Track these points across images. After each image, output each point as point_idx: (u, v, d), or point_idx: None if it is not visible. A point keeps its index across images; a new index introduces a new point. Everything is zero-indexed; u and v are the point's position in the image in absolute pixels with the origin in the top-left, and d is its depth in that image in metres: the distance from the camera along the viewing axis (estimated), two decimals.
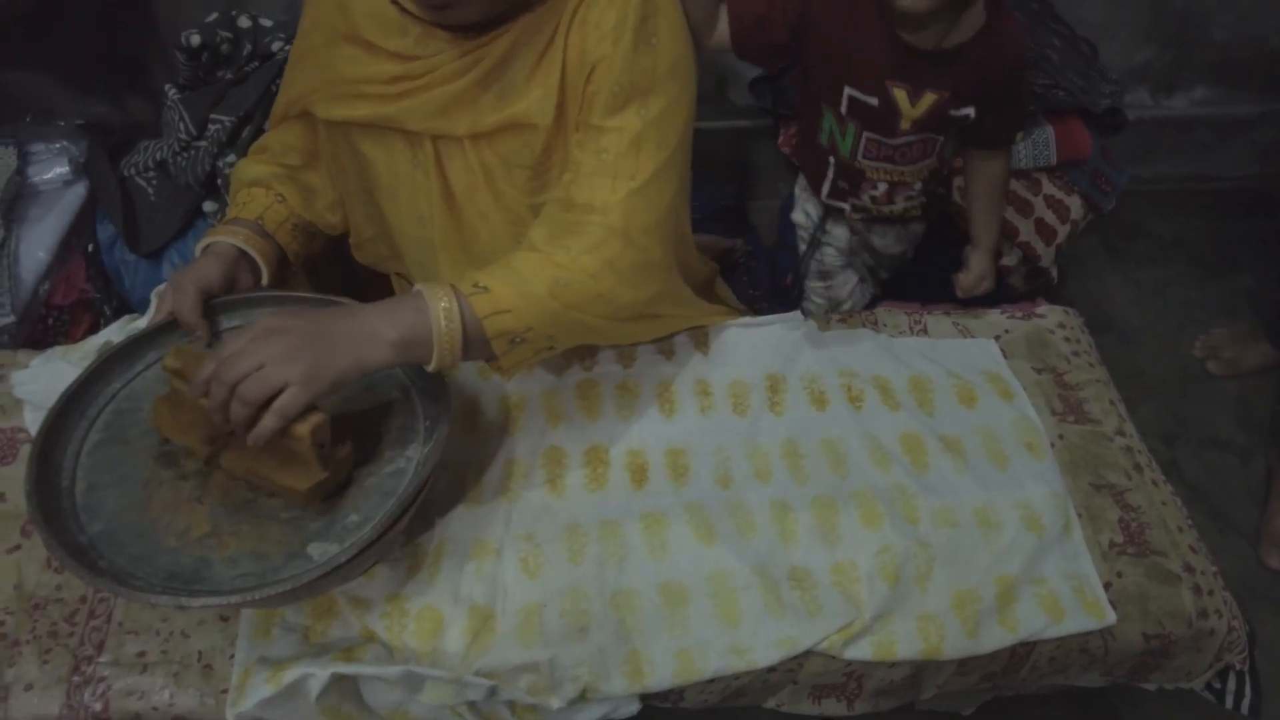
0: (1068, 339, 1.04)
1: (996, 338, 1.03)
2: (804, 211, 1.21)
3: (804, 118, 1.10)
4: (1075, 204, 1.40)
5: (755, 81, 1.72)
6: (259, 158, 0.94)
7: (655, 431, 0.89)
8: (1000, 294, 1.26)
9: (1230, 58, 1.91)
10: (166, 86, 1.30)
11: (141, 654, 0.74)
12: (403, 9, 0.78)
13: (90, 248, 1.28)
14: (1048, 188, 1.42)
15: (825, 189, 1.10)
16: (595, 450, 0.87)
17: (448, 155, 0.83)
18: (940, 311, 1.05)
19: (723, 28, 0.96)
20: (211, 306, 0.81)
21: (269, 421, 0.64)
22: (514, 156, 0.81)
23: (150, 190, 1.26)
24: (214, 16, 1.27)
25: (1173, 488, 0.93)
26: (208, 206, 1.27)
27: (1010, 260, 1.41)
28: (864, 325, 1.02)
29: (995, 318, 1.05)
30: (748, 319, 1.00)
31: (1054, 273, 1.46)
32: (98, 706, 0.71)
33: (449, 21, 0.76)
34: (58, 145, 1.27)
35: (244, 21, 1.28)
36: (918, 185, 1.05)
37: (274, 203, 0.90)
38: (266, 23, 1.30)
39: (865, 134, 1.00)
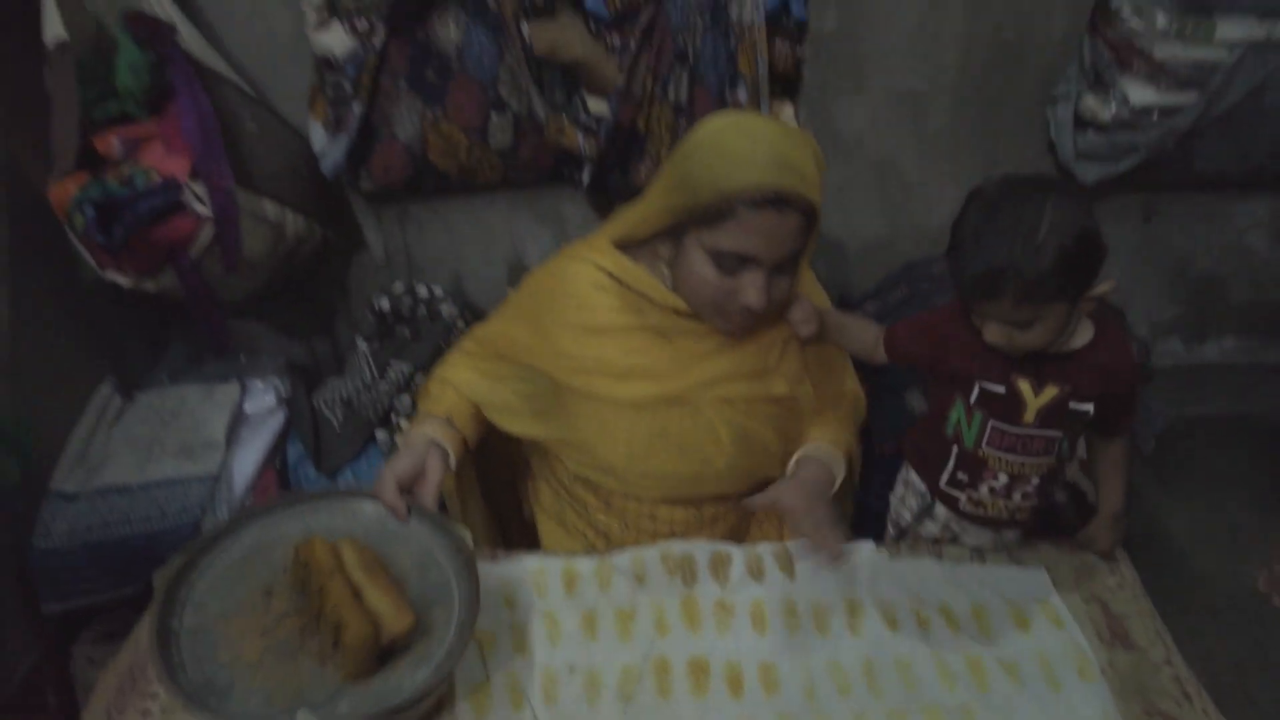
0: (1111, 571, 1.17)
1: (1046, 568, 1.16)
2: (903, 499, 1.29)
3: (929, 414, 1.20)
4: None
5: None
6: (463, 361, 1.20)
7: (750, 645, 1.03)
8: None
9: (1252, 315, 2.00)
10: (356, 337, 1.64)
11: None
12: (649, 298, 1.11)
13: (279, 464, 1.56)
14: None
15: (944, 478, 1.17)
16: (697, 661, 1.02)
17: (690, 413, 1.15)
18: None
19: (881, 349, 1.21)
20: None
21: None
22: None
23: (335, 422, 1.56)
24: (401, 288, 1.63)
25: (1224, 718, 0.99)
26: (380, 435, 1.56)
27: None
28: (928, 554, 1.18)
29: (1045, 549, 1.19)
30: None
31: None
32: None
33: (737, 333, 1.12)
34: (269, 381, 1.60)
35: (422, 291, 1.63)
36: (1035, 480, 1.11)
37: (462, 401, 1.16)
38: (439, 292, 1.65)
39: (991, 422, 1.07)
